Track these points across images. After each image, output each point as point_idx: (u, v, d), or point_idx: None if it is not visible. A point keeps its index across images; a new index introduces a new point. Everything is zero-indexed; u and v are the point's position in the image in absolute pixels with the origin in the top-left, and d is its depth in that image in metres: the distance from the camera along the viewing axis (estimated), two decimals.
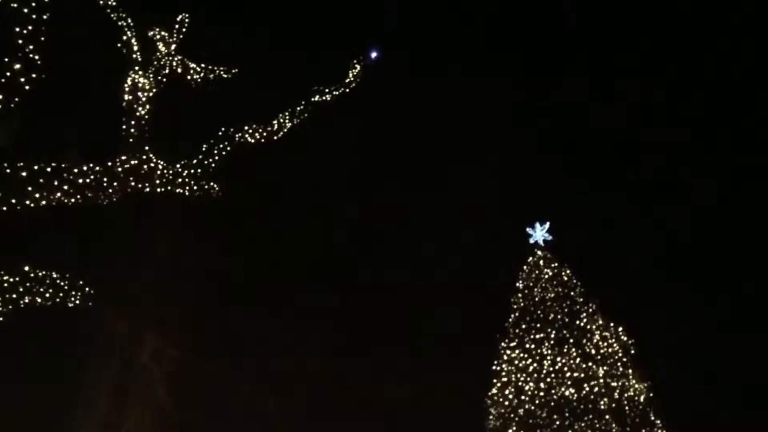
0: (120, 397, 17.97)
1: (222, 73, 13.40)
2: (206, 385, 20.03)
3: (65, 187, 10.54)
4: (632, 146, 25.68)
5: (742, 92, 23.58)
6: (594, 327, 17.94)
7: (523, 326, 18.17)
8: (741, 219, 24.18)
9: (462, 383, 20.34)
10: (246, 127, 12.86)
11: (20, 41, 9.58)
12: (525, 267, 19.33)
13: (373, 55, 14.83)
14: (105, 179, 11.03)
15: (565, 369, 17.15)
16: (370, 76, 14.76)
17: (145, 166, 11.57)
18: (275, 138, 13.23)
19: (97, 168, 10.95)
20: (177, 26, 13.01)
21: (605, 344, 17.72)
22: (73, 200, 10.75)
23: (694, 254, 24.26)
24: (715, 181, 25.04)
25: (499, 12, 23.67)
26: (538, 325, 18.00)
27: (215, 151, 12.49)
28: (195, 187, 12.24)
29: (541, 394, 16.96)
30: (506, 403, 17.31)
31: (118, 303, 16.28)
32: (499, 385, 17.71)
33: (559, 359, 17.30)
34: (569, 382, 16.98)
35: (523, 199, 24.41)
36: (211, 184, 12.40)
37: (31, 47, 9.64)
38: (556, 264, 19.17)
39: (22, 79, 9.64)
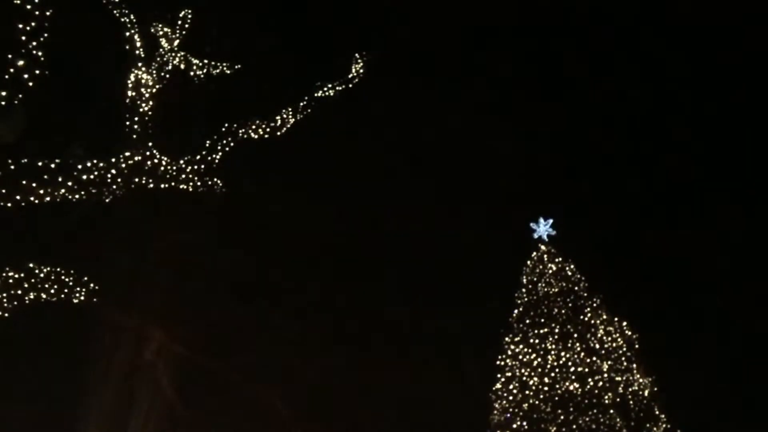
0: (125, 394, 18.02)
1: (225, 68, 13.41)
2: (212, 382, 20.06)
3: (69, 183, 10.55)
4: (635, 141, 25.69)
5: (747, 91, 23.56)
6: (598, 322, 17.95)
7: (528, 321, 18.19)
8: (746, 212, 24.16)
9: (466, 378, 20.37)
10: (249, 123, 12.86)
11: (23, 38, 9.59)
12: (529, 262, 19.33)
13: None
14: (109, 175, 11.03)
15: (570, 364, 17.15)
16: (375, 69, 14.75)
17: (149, 162, 11.57)
18: (278, 133, 13.23)
19: (101, 164, 10.95)
20: (180, 22, 13.01)
21: (609, 339, 17.73)
22: (77, 196, 10.77)
23: (697, 248, 24.23)
24: (717, 177, 25.06)
25: (501, 8, 23.66)
26: (542, 320, 18.01)
27: (219, 147, 12.49)
28: (199, 183, 12.24)
29: (546, 388, 16.97)
30: (510, 397, 17.33)
31: (123, 299, 16.31)
32: (503, 379, 17.73)
33: (563, 354, 17.31)
34: (573, 377, 16.99)
35: (527, 194, 24.43)
36: (215, 179, 12.40)
37: (34, 44, 9.65)
38: (560, 259, 19.16)
39: (26, 76, 9.65)
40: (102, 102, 12.98)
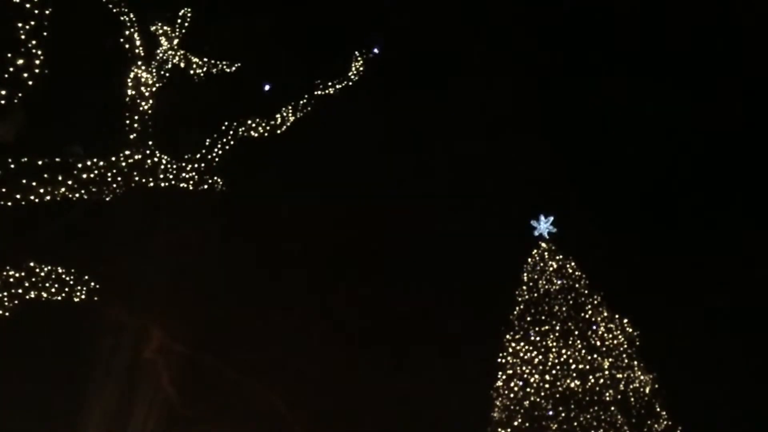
0: (125, 392, 18.03)
1: (225, 67, 13.41)
2: (212, 380, 20.08)
3: (69, 183, 10.56)
4: (636, 139, 25.67)
5: (748, 90, 23.55)
6: (599, 319, 17.93)
7: (528, 319, 18.15)
8: (746, 211, 24.18)
9: (467, 376, 20.36)
10: (249, 121, 12.86)
11: (23, 36, 9.58)
12: (530, 259, 19.30)
13: (376, 50, 14.79)
14: (109, 174, 11.04)
15: (571, 361, 17.14)
16: (375, 68, 14.74)
17: (149, 161, 11.57)
18: (279, 132, 13.23)
19: (101, 163, 10.96)
20: (179, 21, 13.01)
21: (610, 336, 17.71)
22: (77, 195, 10.78)
23: (699, 245, 24.24)
24: (718, 176, 25.08)
25: (502, 5, 23.64)
26: (543, 318, 17.98)
27: (219, 146, 12.49)
28: (199, 182, 12.24)
29: (547, 386, 16.95)
30: (511, 395, 17.31)
31: (123, 298, 16.31)
32: (504, 377, 17.70)
33: (564, 351, 17.30)
34: (574, 374, 16.98)
35: (528, 191, 24.39)
36: (215, 178, 12.40)
37: (33, 42, 9.64)
38: (561, 256, 19.13)
39: (25, 75, 9.65)
40: (102, 101, 12.95)
